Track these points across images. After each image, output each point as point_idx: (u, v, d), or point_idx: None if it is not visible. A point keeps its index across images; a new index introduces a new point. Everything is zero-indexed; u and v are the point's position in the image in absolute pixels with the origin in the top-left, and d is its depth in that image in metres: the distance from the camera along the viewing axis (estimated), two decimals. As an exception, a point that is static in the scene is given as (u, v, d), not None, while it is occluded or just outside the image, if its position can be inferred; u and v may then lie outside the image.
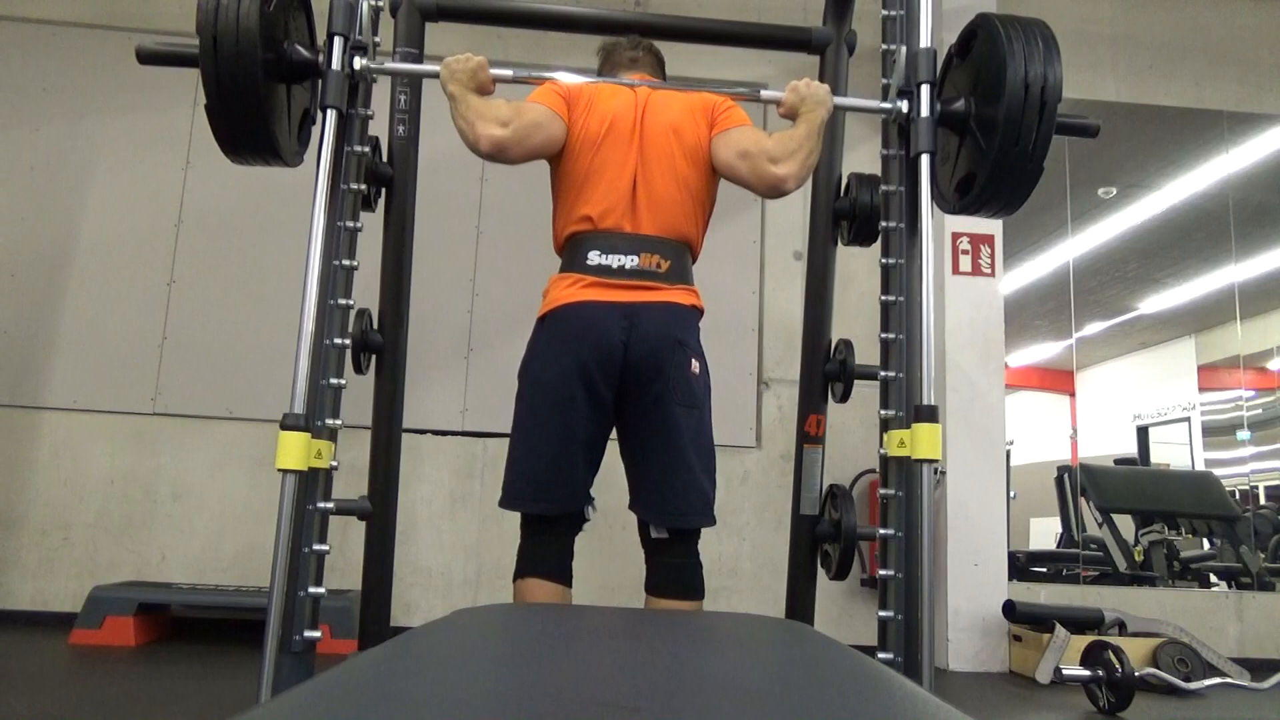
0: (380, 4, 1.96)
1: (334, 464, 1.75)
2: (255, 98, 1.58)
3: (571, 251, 1.79)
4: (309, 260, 1.66)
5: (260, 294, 3.84)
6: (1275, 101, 4.46)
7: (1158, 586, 4.28)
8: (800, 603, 2.18)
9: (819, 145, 1.80)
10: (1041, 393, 5.41)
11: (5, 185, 3.87)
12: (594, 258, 1.74)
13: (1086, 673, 2.92)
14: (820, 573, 2.18)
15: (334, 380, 1.76)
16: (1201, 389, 5.09)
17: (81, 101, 3.94)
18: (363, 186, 1.89)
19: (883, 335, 1.89)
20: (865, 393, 2.11)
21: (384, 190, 2.12)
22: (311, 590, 1.69)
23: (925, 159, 1.77)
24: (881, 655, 1.72)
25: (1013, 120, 1.62)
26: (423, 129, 2.16)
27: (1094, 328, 5.31)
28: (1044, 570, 4.71)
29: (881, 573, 1.77)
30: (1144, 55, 4.42)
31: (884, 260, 1.93)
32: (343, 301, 1.79)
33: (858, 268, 3.71)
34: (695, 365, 1.75)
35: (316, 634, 1.69)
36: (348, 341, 1.82)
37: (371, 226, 2.00)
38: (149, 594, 3.32)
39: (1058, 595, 3.94)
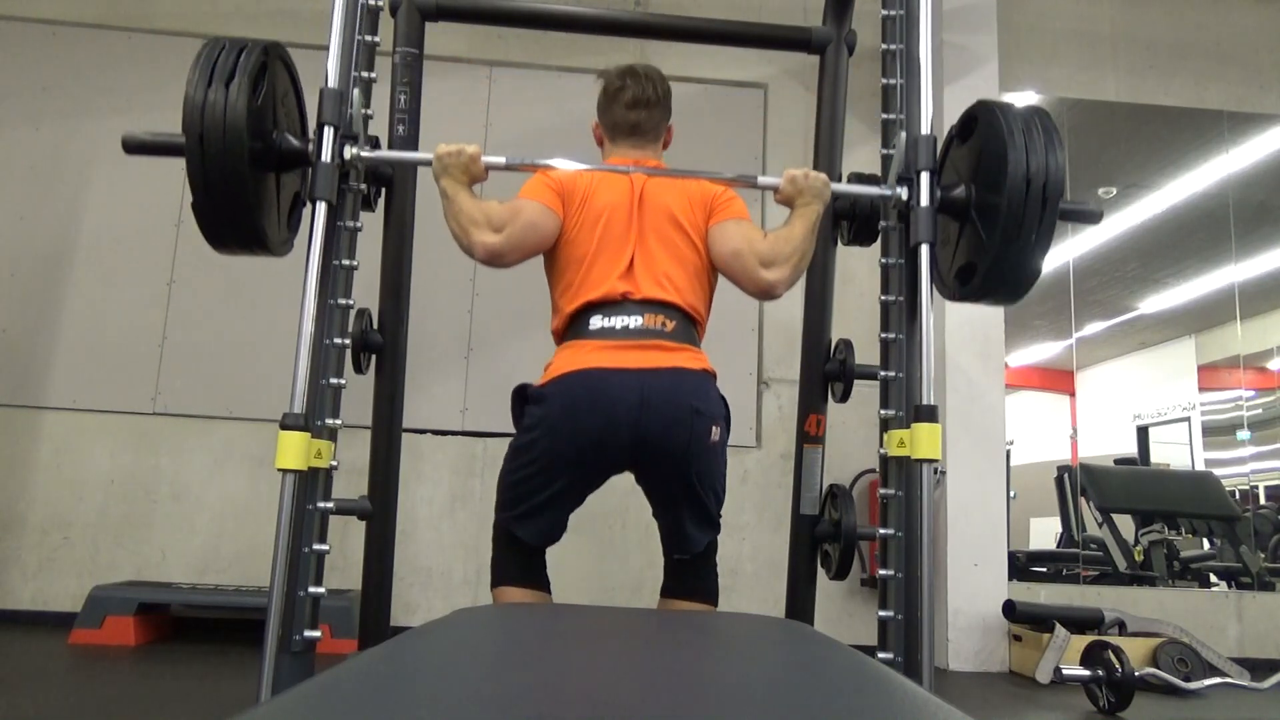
0: (380, 4, 1.96)
1: (334, 464, 1.75)
2: (242, 195, 1.55)
3: (573, 324, 1.73)
4: (309, 260, 1.66)
5: (260, 294, 3.84)
6: (1275, 101, 4.46)
7: (1158, 586, 4.28)
8: (800, 603, 2.18)
9: (814, 245, 1.76)
10: (1041, 393, 5.40)
11: (5, 185, 3.87)
12: (596, 321, 1.68)
13: (1086, 673, 2.92)
14: (820, 573, 2.18)
15: (334, 380, 1.77)
16: (1201, 389, 5.09)
17: (81, 101, 3.94)
18: (363, 186, 1.89)
19: (883, 335, 1.89)
20: (865, 393, 2.11)
21: (384, 190, 2.11)
22: (311, 590, 1.69)
23: (925, 249, 1.74)
24: (881, 655, 1.72)
25: (1014, 216, 1.60)
26: (422, 129, 2.16)
27: (1094, 328, 5.31)
28: (1044, 570, 4.71)
29: (881, 573, 1.77)
30: (1144, 55, 4.42)
31: (884, 260, 1.93)
32: (343, 301, 1.79)
33: (858, 268, 3.71)
34: (715, 431, 1.68)
35: (316, 634, 1.69)
36: (348, 341, 1.82)
37: (371, 226, 2.00)
38: (149, 594, 3.32)
39: (1058, 595, 3.94)
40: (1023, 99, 4.38)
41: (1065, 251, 4.51)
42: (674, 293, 1.72)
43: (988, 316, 3.88)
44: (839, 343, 2.21)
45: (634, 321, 1.67)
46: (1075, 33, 4.35)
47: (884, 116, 1.98)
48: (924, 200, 1.76)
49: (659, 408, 1.61)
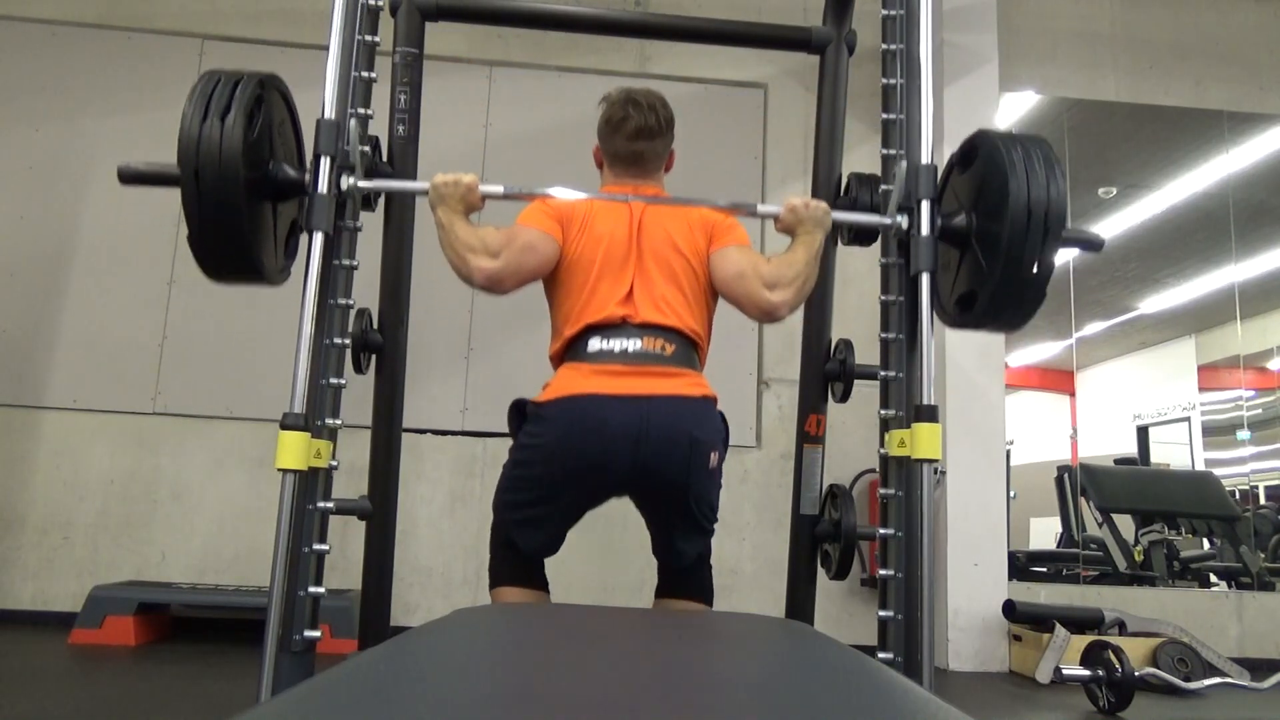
0: (380, 4, 1.95)
1: (334, 464, 1.75)
2: (238, 229, 1.54)
3: (572, 347, 1.71)
4: (308, 272, 1.66)
5: (260, 294, 3.82)
6: (1275, 101, 4.46)
7: (1158, 586, 4.28)
8: (800, 603, 2.18)
9: (816, 271, 1.76)
10: (1041, 393, 5.41)
11: (5, 185, 3.87)
12: (595, 344, 1.67)
13: (1086, 673, 2.92)
14: (820, 573, 2.18)
15: (334, 380, 1.76)
16: (1201, 389, 5.09)
17: (81, 101, 3.94)
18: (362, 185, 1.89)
19: (883, 335, 1.89)
20: (865, 393, 2.11)
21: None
22: (311, 590, 1.69)
23: (925, 278, 1.73)
24: (881, 655, 1.72)
25: (1015, 247, 1.59)
26: (423, 129, 2.16)
27: (1094, 328, 5.32)
28: (1044, 570, 4.72)
29: (881, 573, 1.77)
30: (1144, 55, 4.42)
31: (884, 260, 1.93)
32: (343, 301, 1.79)
33: (858, 268, 3.71)
34: (714, 458, 1.68)
35: (316, 634, 1.69)
36: (348, 341, 1.82)
37: (371, 226, 2.00)
38: (149, 594, 3.32)
39: (1058, 595, 3.94)
40: (1023, 99, 4.38)
41: (1065, 251, 4.49)
42: (673, 317, 1.70)
43: (988, 316, 3.88)
44: (839, 343, 2.21)
45: (633, 345, 1.66)
46: (1075, 33, 4.35)
47: (885, 116, 1.97)
48: (924, 229, 1.74)
49: (657, 437, 1.60)
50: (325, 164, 1.69)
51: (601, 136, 1.88)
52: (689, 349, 1.73)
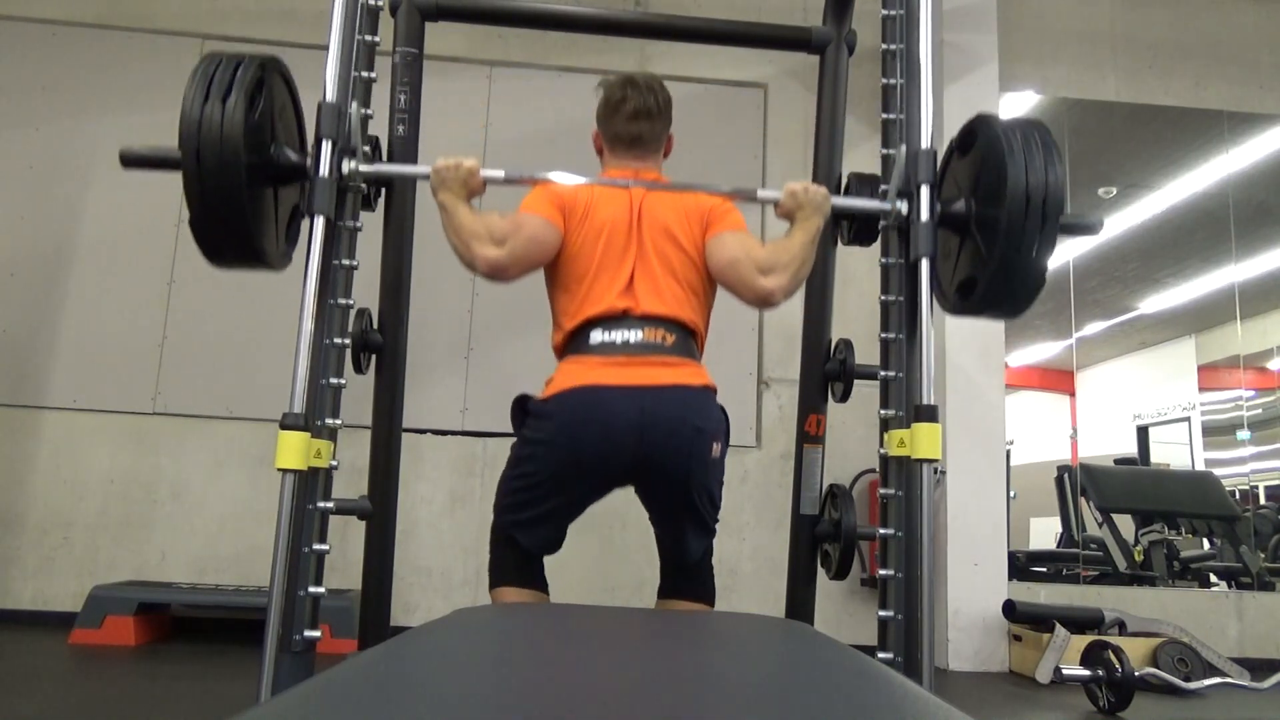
0: (380, 4, 1.96)
1: (334, 464, 1.75)
2: (240, 211, 1.54)
3: (574, 339, 1.72)
4: (309, 260, 1.66)
5: (260, 294, 3.84)
6: (1275, 101, 4.46)
7: (1158, 586, 4.28)
8: (800, 603, 2.18)
9: (813, 255, 1.75)
10: (1041, 393, 5.41)
11: (5, 185, 3.87)
12: (596, 336, 1.68)
13: (1086, 673, 2.92)
14: (820, 573, 2.18)
15: (334, 380, 1.77)
16: (1201, 389, 5.09)
17: (81, 101, 3.94)
18: (363, 186, 1.89)
19: (883, 335, 1.89)
20: (865, 393, 2.11)
21: (384, 190, 2.11)
22: (311, 590, 1.69)
23: (925, 264, 1.73)
24: (881, 655, 1.72)
25: (1015, 231, 1.58)
26: (423, 129, 2.16)
27: (1094, 328, 5.31)
28: (1044, 570, 4.71)
29: (881, 573, 1.77)
30: (1144, 55, 4.42)
31: (884, 260, 1.93)
32: (343, 301, 1.79)
33: (858, 268, 3.71)
34: (716, 448, 1.69)
35: (316, 634, 1.69)
36: (347, 341, 1.82)
37: (371, 226, 2.00)
38: (149, 594, 3.32)
39: (1058, 595, 3.94)
40: (1023, 99, 4.38)
41: (1065, 251, 4.50)
42: (673, 308, 1.71)
43: (988, 316, 3.88)
44: (839, 343, 2.22)
45: (634, 336, 1.67)
46: (1075, 33, 4.35)
47: (884, 116, 1.97)
48: (924, 215, 1.75)
49: (660, 427, 1.61)
50: (327, 147, 1.70)
51: (600, 120, 1.89)
52: (688, 340, 1.74)
